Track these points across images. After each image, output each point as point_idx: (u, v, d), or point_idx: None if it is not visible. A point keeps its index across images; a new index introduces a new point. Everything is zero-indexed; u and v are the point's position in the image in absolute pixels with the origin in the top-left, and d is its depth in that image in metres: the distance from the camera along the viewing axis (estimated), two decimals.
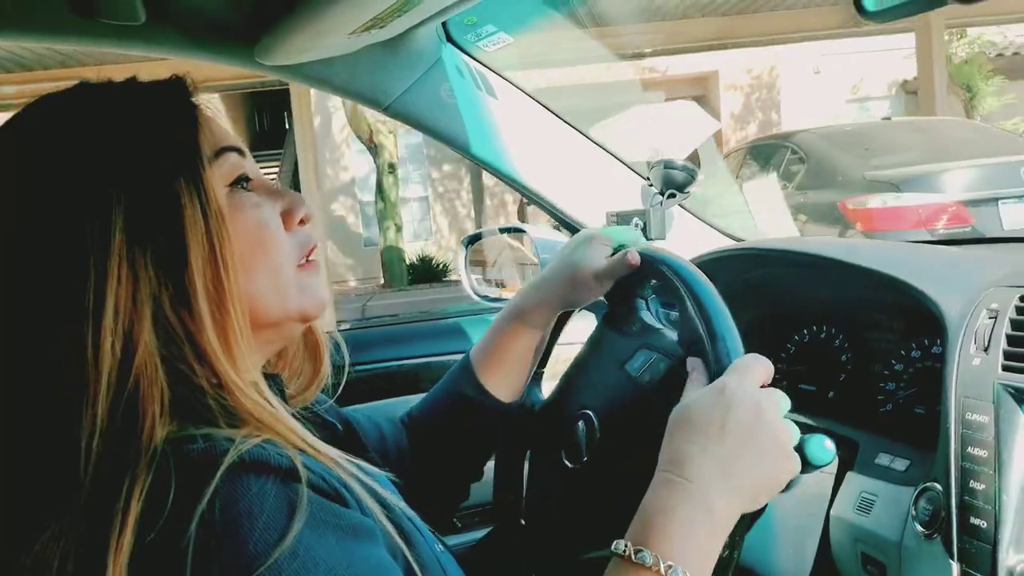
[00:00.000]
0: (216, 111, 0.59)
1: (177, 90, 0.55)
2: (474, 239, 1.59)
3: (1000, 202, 3.79)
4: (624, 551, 0.52)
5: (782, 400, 0.58)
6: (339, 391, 0.76)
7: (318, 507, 0.44)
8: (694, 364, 0.64)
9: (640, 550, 0.51)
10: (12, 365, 0.47)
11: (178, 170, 0.50)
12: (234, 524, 0.42)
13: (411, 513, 0.56)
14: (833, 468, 0.87)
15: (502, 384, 0.83)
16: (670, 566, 0.50)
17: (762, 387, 0.58)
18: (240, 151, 0.56)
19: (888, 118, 8.56)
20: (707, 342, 0.64)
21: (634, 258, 0.77)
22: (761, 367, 0.59)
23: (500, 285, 1.64)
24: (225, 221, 0.51)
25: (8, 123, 0.52)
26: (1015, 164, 3.87)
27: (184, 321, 0.48)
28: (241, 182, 0.56)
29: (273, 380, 0.60)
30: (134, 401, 0.45)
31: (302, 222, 0.59)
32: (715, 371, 0.61)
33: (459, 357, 1.37)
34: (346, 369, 0.73)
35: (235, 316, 0.50)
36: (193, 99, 0.56)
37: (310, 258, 0.60)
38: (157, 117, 0.53)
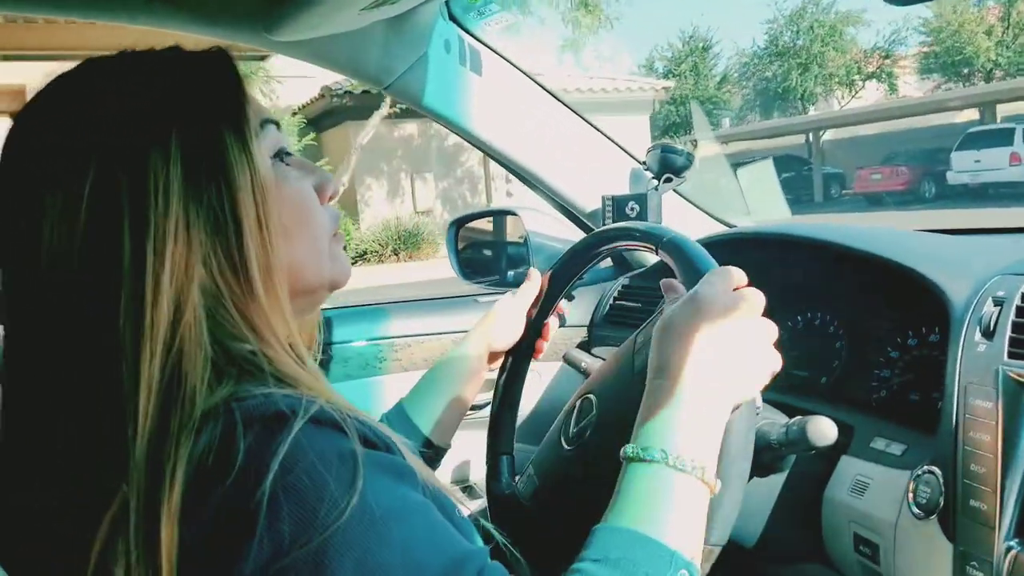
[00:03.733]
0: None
1: (225, 61, 0.56)
2: (463, 221, 1.58)
3: None
4: (631, 453, 0.56)
5: (757, 298, 0.62)
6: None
7: (374, 456, 0.46)
8: (668, 285, 0.70)
9: (647, 448, 0.55)
10: (76, 324, 0.47)
11: (231, 136, 0.52)
12: (310, 475, 0.42)
13: (435, 477, 0.58)
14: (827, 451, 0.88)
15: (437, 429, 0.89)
16: (678, 456, 0.55)
17: (736, 291, 0.63)
18: (278, 125, 0.58)
19: None
20: (677, 264, 0.69)
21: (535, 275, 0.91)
22: (732, 273, 0.64)
23: (488, 267, 1.63)
24: (269, 189, 0.53)
25: (60, 81, 0.52)
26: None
27: (231, 285, 0.49)
28: (282, 155, 0.58)
29: None
30: (179, 363, 0.46)
31: (331, 198, 0.62)
32: (689, 284, 0.65)
33: (442, 337, 1.39)
34: (320, 348, 0.74)
35: (278, 283, 0.52)
36: (239, 72, 0.57)
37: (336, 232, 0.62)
38: (210, 84, 0.54)
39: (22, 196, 0.49)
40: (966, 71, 22.54)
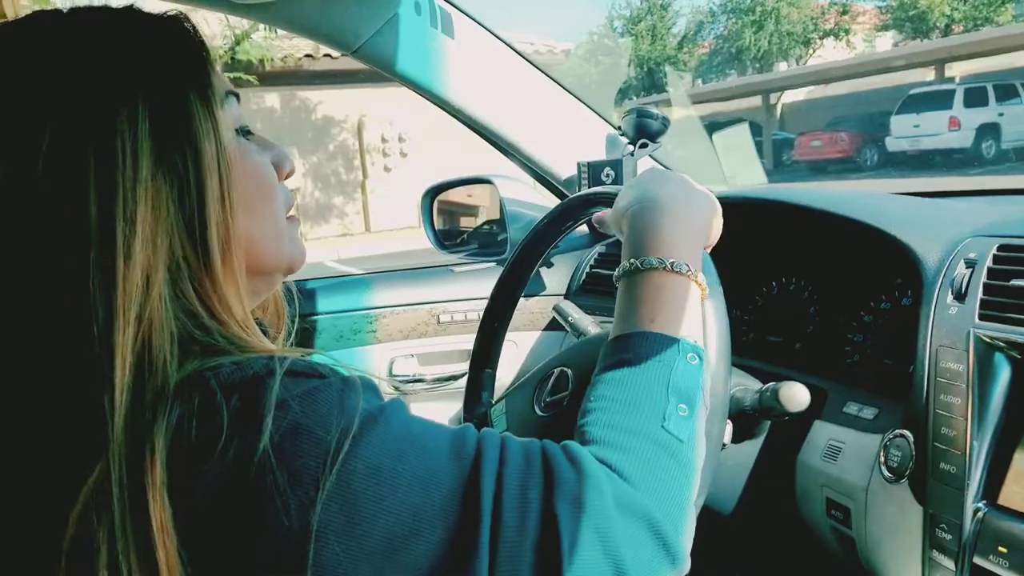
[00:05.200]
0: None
1: (187, 26, 0.53)
2: (438, 190, 1.55)
3: None
4: (629, 267, 0.59)
5: None
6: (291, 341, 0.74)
7: (353, 381, 0.46)
8: (599, 214, 0.73)
9: (643, 258, 0.58)
10: (45, 295, 0.44)
11: (198, 103, 0.49)
12: (304, 414, 0.42)
13: None
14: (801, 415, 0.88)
15: None
16: (673, 261, 0.58)
17: None
18: (238, 97, 0.56)
19: None
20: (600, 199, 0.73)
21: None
22: None
23: (464, 237, 1.60)
24: (235, 163, 0.51)
25: (17, 26, 0.49)
26: None
27: (189, 258, 0.47)
28: (243, 131, 0.56)
29: (260, 327, 0.60)
30: (149, 335, 0.44)
31: (287, 176, 0.60)
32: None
33: (418, 308, 1.37)
34: (296, 320, 0.72)
35: (237, 259, 0.50)
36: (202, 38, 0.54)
37: (290, 213, 0.60)
38: (176, 47, 0.51)
39: None
40: (925, 27, 21.16)
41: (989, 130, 12.77)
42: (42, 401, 0.44)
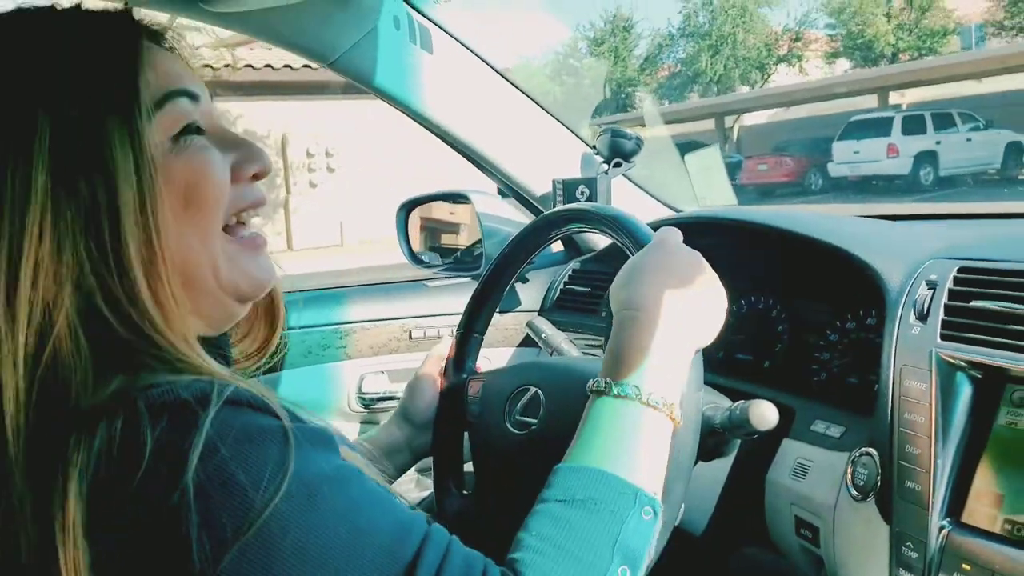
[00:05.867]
0: (184, 46, 0.53)
1: (122, 24, 0.49)
2: (412, 204, 1.54)
3: None
4: (604, 387, 0.56)
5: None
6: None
7: (301, 428, 0.43)
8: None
9: (621, 384, 0.55)
10: None
11: (113, 116, 0.45)
12: (236, 458, 0.39)
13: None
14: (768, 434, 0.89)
15: None
16: (650, 393, 0.55)
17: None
18: (192, 96, 0.51)
19: None
20: (622, 235, 0.71)
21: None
22: (677, 231, 0.67)
23: (439, 251, 1.60)
24: (158, 174, 0.46)
25: None
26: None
27: (108, 283, 0.44)
28: (189, 131, 0.50)
29: (215, 343, 0.55)
30: (53, 361, 0.41)
31: (257, 176, 0.54)
32: (641, 244, 0.67)
33: (390, 323, 1.35)
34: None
35: (166, 282, 0.46)
36: (142, 35, 0.50)
37: (247, 229, 0.54)
38: (94, 55, 0.47)
39: None
40: (872, 56, 21.66)
41: (927, 157, 12.96)
42: None
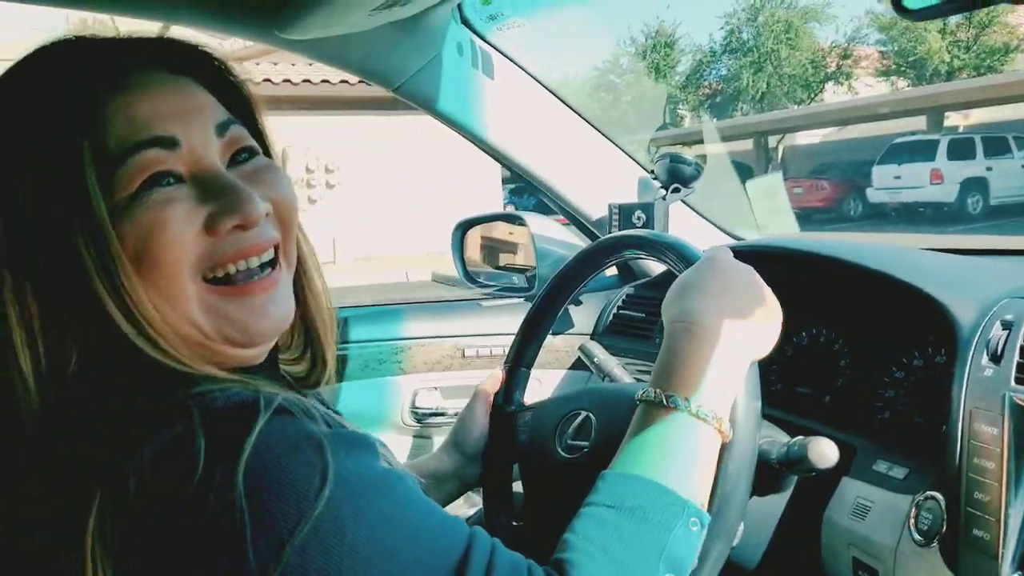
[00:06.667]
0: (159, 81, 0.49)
1: (76, 80, 0.47)
2: (469, 224, 1.57)
3: None
4: (654, 397, 0.56)
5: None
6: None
7: (344, 434, 0.45)
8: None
9: (671, 395, 0.55)
10: None
11: (61, 185, 0.45)
12: (284, 464, 0.41)
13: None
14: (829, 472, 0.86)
15: None
16: (700, 406, 0.55)
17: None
18: (165, 142, 0.47)
19: None
20: (669, 255, 0.71)
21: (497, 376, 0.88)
22: (727, 248, 0.68)
23: (492, 272, 1.61)
24: (122, 227, 0.45)
25: None
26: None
27: (98, 332, 0.45)
28: (157, 182, 0.47)
29: (265, 367, 0.56)
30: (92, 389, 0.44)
31: (241, 228, 0.49)
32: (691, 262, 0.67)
33: (444, 340, 1.37)
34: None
35: (159, 334, 0.46)
36: (97, 88, 0.47)
37: (236, 273, 0.50)
38: (42, 124, 0.46)
39: None
40: (925, 74, 20.46)
41: (975, 184, 11.97)
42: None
